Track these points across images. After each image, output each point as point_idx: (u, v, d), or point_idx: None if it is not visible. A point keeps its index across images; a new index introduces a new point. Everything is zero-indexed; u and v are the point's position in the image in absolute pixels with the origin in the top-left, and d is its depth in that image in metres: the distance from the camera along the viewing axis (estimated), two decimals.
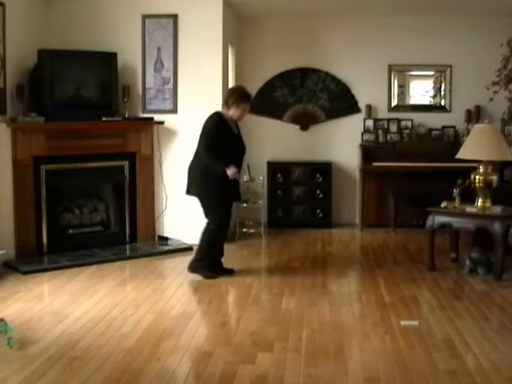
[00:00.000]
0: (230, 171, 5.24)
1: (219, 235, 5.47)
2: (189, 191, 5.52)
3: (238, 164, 5.39)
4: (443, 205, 5.68)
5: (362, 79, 7.92)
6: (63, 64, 6.18)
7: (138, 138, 6.57)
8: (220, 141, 5.28)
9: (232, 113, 5.39)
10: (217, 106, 6.63)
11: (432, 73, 7.99)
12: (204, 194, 5.42)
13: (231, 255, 6.20)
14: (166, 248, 6.46)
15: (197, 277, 5.43)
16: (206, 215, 5.48)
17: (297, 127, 8.05)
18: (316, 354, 3.76)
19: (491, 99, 7.17)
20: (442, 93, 7.95)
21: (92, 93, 6.43)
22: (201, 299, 4.89)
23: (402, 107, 8.00)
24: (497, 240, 5.34)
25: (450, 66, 7.88)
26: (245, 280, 5.38)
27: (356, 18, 7.81)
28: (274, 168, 7.72)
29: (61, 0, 6.59)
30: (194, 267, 5.48)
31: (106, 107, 6.40)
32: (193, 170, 5.47)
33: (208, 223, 5.47)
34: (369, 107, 7.89)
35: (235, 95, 5.39)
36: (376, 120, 7.90)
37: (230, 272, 5.54)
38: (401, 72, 7.99)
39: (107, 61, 6.39)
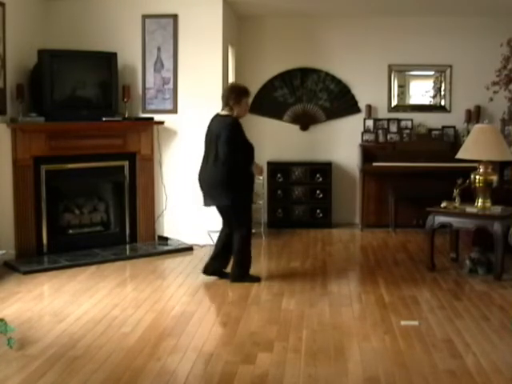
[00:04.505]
0: (257, 169, 5.22)
1: (250, 239, 5.38)
2: (210, 202, 5.25)
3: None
4: (443, 205, 5.67)
5: (362, 79, 7.92)
6: (63, 64, 6.17)
7: (138, 138, 6.56)
8: (242, 143, 5.20)
9: (237, 112, 5.23)
10: (217, 105, 6.65)
11: (432, 73, 7.99)
12: (234, 203, 5.16)
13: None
14: (166, 248, 6.46)
15: (196, 277, 5.44)
16: (233, 224, 5.25)
17: (297, 127, 8.05)
18: (316, 354, 3.76)
19: (491, 99, 7.17)
20: (442, 93, 7.95)
21: (92, 93, 6.43)
22: (201, 299, 4.89)
23: (402, 107, 8.00)
24: (497, 240, 5.34)
25: (450, 66, 7.88)
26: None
27: (356, 18, 7.80)
28: (274, 168, 7.71)
29: (61, 0, 6.60)
30: (236, 277, 5.30)
31: (106, 107, 6.40)
32: (216, 178, 5.14)
33: (234, 231, 5.26)
34: (369, 107, 7.89)
35: (235, 93, 5.25)
36: (376, 120, 7.90)
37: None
38: (401, 72, 7.99)
39: (107, 61, 6.39)
